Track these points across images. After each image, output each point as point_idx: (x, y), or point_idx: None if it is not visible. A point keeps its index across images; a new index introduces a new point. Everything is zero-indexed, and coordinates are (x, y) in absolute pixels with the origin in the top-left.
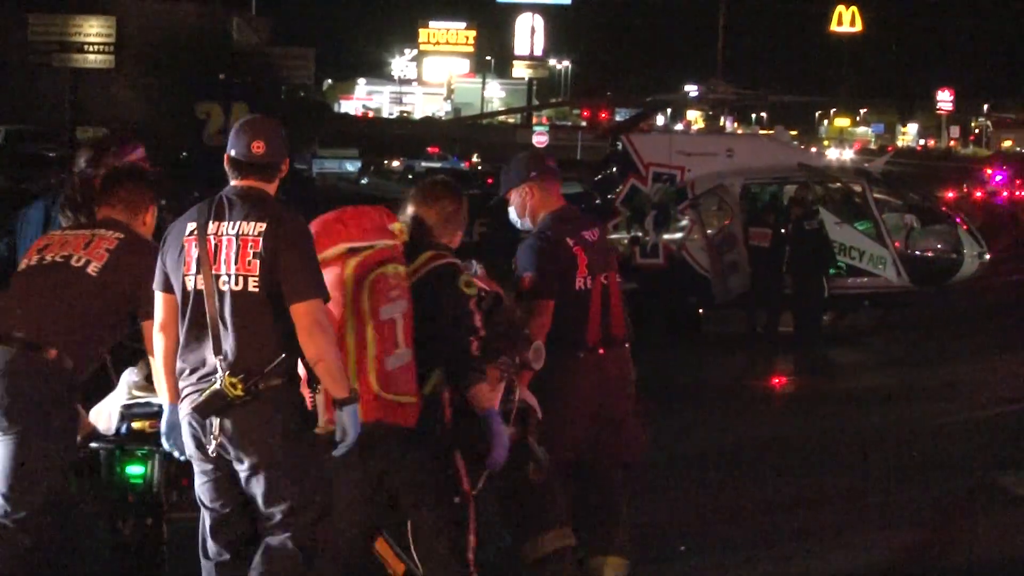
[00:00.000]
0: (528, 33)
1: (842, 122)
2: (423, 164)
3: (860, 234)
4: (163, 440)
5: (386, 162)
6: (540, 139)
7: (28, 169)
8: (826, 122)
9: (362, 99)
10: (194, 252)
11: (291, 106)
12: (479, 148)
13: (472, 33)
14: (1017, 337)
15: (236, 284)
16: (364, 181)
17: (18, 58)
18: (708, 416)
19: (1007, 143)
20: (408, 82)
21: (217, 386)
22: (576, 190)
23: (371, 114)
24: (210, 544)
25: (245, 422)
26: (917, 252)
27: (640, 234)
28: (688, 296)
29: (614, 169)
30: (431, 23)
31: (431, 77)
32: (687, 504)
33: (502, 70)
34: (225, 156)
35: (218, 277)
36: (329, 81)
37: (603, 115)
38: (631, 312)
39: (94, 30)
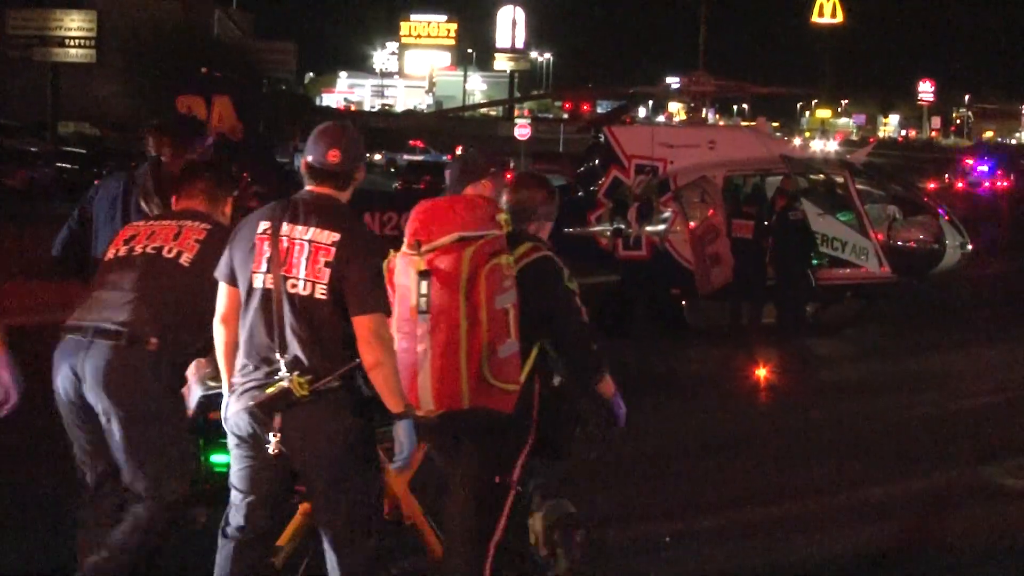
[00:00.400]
0: (510, 26)
1: (824, 113)
2: (405, 157)
3: (843, 225)
4: (225, 427)
5: (368, 155)
6: (522, 132)
7: (9, 164)
8: (808, 113)
9: (344, 92)
10: (266, 251)
11: (273, 99)
12: (463, 141)
13: (453, 26)
14: (999, 327)
15: (304, 289)
16: None
17: None
18: (691, 408)
19: (988, 133)
20: (390, 75)
21: (285, 384)
22: (559, 183)
23: (353, 107)
24: (232, 526)
25: (308, 420)
26: (899, 243)
27: (623, 226)
28: (671, 288)
29: (596, 161)
30: (412, 16)
31: (413, 70)
32: (670, 495)
33: (484, 63)
34: (302, 161)
35: (287, 279)
36: (311, 74)
37: (585, 107)
38: (617, 303)
39: (75, 24)
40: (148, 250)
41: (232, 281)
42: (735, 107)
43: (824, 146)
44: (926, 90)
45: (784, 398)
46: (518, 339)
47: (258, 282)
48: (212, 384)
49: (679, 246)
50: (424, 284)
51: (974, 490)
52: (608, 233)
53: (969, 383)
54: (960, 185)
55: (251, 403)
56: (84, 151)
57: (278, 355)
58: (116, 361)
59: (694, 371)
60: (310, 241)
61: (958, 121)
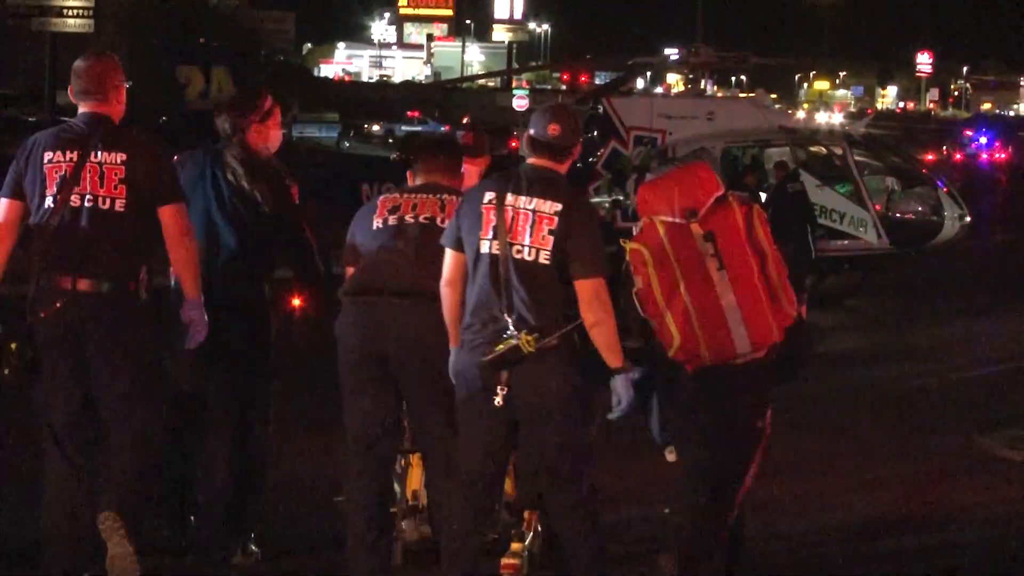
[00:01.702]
0: None
1: (821, 85)
2: (403, 128)
3: (841, 197)
4: (453, 378)
5: (366, 126)
6: (520, 103)
7: (7, 134)
8: (806, 85)
9: (342, 63)
10: (492, 219)
11: (271, 70)
12: (460, 112)
13: None
14: (997, 299)
15: (529, 255)
16: (346, 145)
17: None
18: None
19: (986, 105)
20: (388, 46)
21: (514, 342)
22: None
23: (347, 78)
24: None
25: (534, 375)
26: (898, 215)
27: (621, 197)
28: None
29: (595, 133)
30: None
31: (410, 41)
32: (667, 467)
33: (482, 34)
34: (525, 135)
35: (512, 245)
36: (309, 45)
37: (583, 79)
38: (615, 274)
39: None
40: (422, 219)
41: (458, 247)
42: (733, 79)
43: (829, 118)
44: (924, 62)
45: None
46: None
47: (485, 248)
48: None
49: None
50: (710, 245)
51: (972, 461)
52: (607, 204)
53: (967, 354)
54: (958, 157)
55: (483, 358)
56: None
57: (505, 315)
58: (413, 318)
59: None
60: (533, 211)
61: (956, 93)
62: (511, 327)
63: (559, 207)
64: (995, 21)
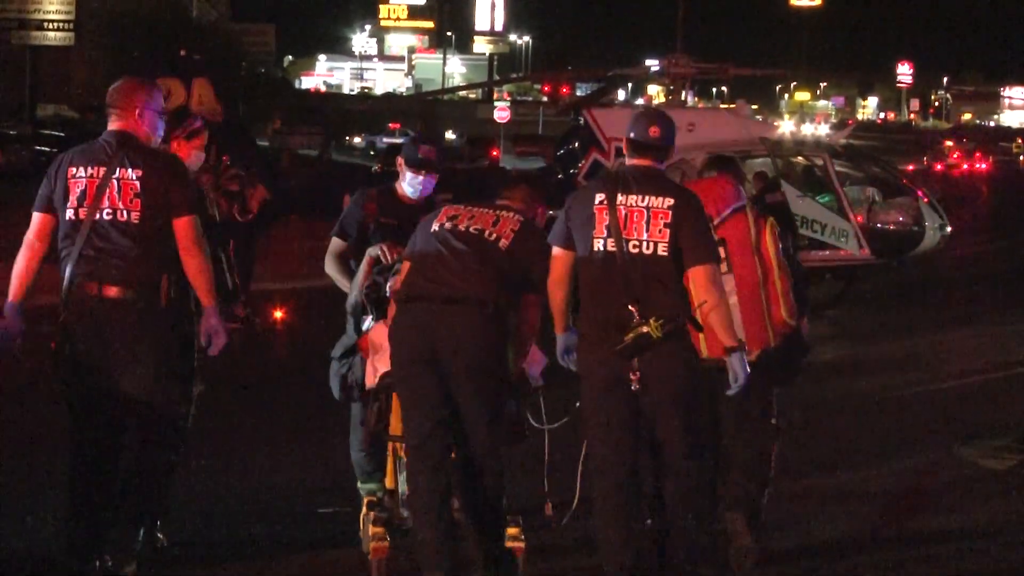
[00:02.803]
0: (488, 8)
1: (802, 96)
2: (385, 140)
3: (822, 207)
4: (560, 360)
5: (347, 138)
6: (501, 114)
7: None
8: (787, 96)
9: (323, 75)
10: (605, 218)
11: (252, 82)
12: (442, 123)
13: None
14: (978, 309)
15: (647, 248)
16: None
17: None
18: None
19: (967, 116)
20: (369, 58)
21: (644, 330)
22: (539, 165)
23: (322, 90)
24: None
25: (662, 359)
26: (879, 225)
27: None
28: None
29: (576, 144)
30: None
31: (391, 53)
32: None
33: (463, 45)
34: (624, 138)
35: (629, 241)
36: (290, 57)
37: (564, 90)
38: None
39: (53, 7)
40: (471, 230)
41: (567, 246)
42: (714, 90)
43: (815, 130)
44: (904, 72)
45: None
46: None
47: (599, 245)
48: None
49: None
50: (722, 249)
51: (955, 471)
52: None
53: (948, 364)
54: (939, 167)
55: (616, 347)
56: (63, 134)
57: (629, 306)
58: (461, 321)
59: None
60: (647, 207)
61: (936, 103)
62: (636, 316)
63: (672, 202)
64: (974, 32)
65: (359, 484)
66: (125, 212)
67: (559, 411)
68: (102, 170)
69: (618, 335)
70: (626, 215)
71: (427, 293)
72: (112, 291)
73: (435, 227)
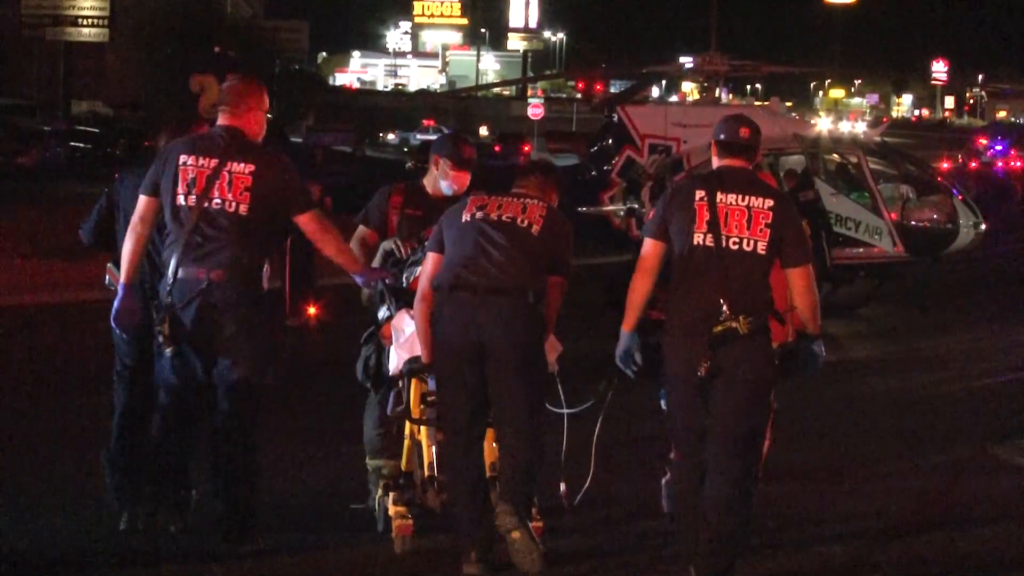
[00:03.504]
0: (523, 5)
1: (837, 93)
2: (418, 136)
3: (856, 205)
4: (618, 362)
5: (381, 135)
6: (535, 111)
7: (23, 143)
8: (821, 93)
9: (357, 72)
10: (706, 215)
11: (286, 79)
12: (475, 121)
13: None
14: (1012, 308)
15: (747, 245)
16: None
17: (11, 32)
18: None
19: (1002, 113)
20: (403, 55)
21: (733, 324)
22: (572, 162)
23: (355, 87)
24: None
25: (744, 352)
26: (913, 223)
27: (636, 206)
28: None
29: (610, 141)
30: None
31: (425, 49)
32: None
33: (497, 42)
34: (712, 141)
35: (728, 238)
36: (324, 54)
37: (598, 87)
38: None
39: (88, 3)
40: (504, 218)
41: (661, 238)
42: (748, 87)
43: (852, 127)
44: (939, 70)
45: (795, 377)
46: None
47: (697, 239)
48: None
49: None
50: None
51: (984, 469)
52: (621, 213)
53: (981, 362)
54: (974, 165)
55: (701, 337)
56: (97, 130)
57: (721, 300)
58: (502, 310)
59: None
60: (748, 207)
61: (972, 101)
62: (726, 309)
63: (772, 203)
64: (1010, 30)
65: (367, 460)
66: (234, 204)
67: (575, 398)
68: (213, 161)
69: (704, 326)
70: (727, 213)
71: (470, 283)
72: (216, 275)
73: (466, 217)
